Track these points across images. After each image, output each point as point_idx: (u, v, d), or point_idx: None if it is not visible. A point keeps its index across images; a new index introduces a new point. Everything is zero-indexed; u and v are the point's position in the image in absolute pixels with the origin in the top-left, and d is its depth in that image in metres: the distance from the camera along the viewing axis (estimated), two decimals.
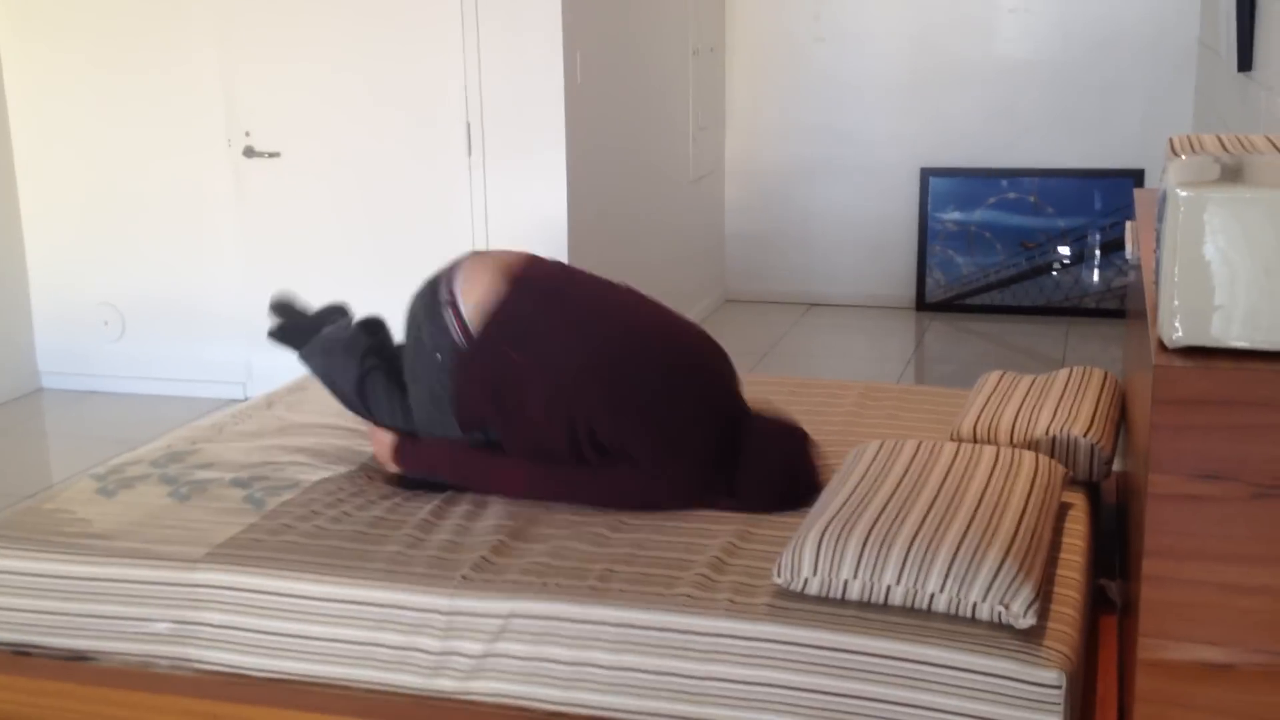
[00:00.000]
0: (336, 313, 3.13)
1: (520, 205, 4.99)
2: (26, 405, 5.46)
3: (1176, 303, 1.81)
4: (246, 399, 5.36)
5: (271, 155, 5.15)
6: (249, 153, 5.16)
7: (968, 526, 2.18)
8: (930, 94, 6.70)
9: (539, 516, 2.57)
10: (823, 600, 2.17)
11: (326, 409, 3.45)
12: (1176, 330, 1.82)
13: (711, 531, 2.47)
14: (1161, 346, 1.85)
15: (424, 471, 2.74)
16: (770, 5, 6.84)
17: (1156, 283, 1.87)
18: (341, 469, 2.88)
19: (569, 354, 2.61)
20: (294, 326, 3.10)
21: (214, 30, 5.13)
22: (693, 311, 6.66)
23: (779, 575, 2.20)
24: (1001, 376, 3.17)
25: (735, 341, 6.52)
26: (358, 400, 2.90)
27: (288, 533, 2.52)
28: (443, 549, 2.42)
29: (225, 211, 5.29)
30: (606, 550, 2.40)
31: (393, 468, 2.78)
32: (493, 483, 2.67)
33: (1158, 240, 1.91)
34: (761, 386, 3.51)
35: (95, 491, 2.82)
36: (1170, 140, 2.44)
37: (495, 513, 2.59)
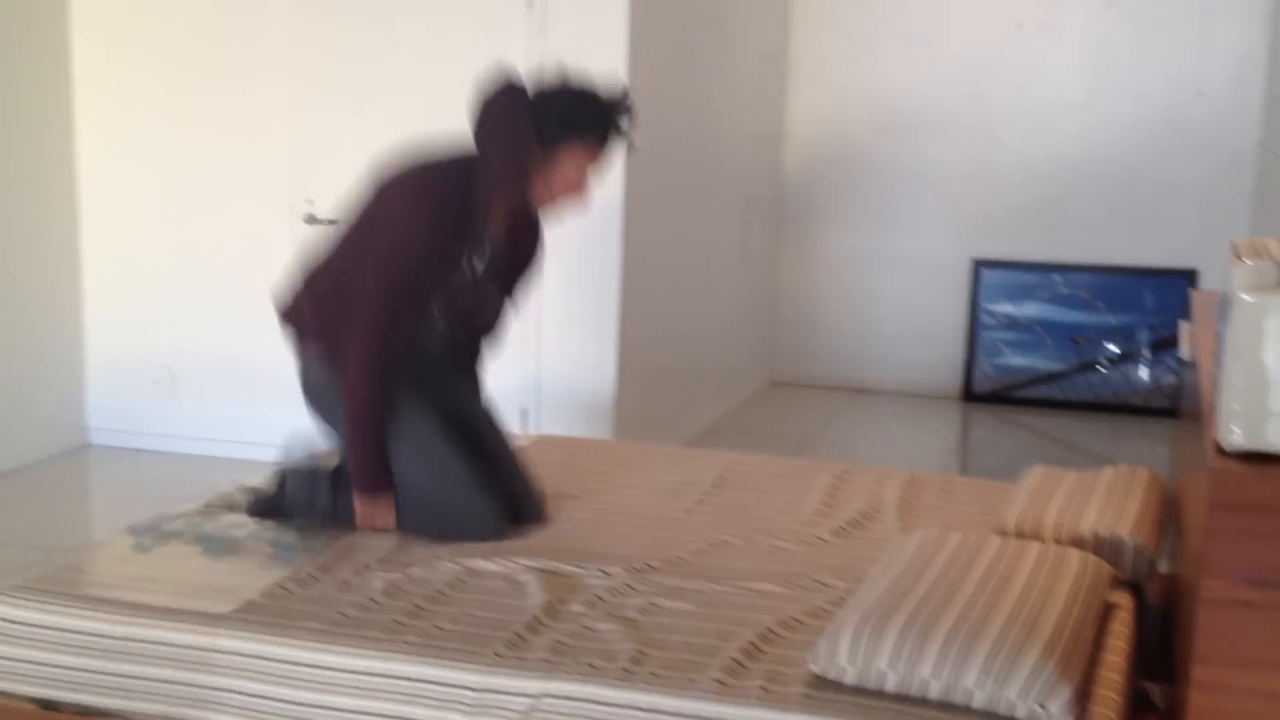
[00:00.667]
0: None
1: (574, 278, 5.00)
2: (73, 461, 5.50)
3: (1236, 407, 1.78)
4: None
5: (331, 223, 5.20)
6: (310, 220, 5.22)
7: (1008, 622, 2.13)
8: (986, 185, 6.69)
9: (573, 590, 2.55)
10: (859, 691, 2.13)
11: None
12: (1234, 434, 1.79)
13: (745, 619, 2.43)
14: (1219, 450, 1.82)
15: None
16: (831, 95, 6.89)
17: (1216, 386, 1.85)
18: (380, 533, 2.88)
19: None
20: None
21: (284, 97, 5.22)
22: (739, 392, 6.64)
23: (815, 663, 2.16)
24: (1047, 471, 3.13)
25: (780, 424, 6.51)
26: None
27: (319, 597, 2.51)
28: (475, 623, 2.40)
29: (282, 277, 5.34)
30: (638, 632, 2.37)
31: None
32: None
33: (1219, 343, 1.88)
34: (803, 471, 3.49)
35: (131, 548, 2.83)
36: (1233, 244, 2.42)
37: (529, 586, 2.57)
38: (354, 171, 5.13)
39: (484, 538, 2.85)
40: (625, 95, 2.93)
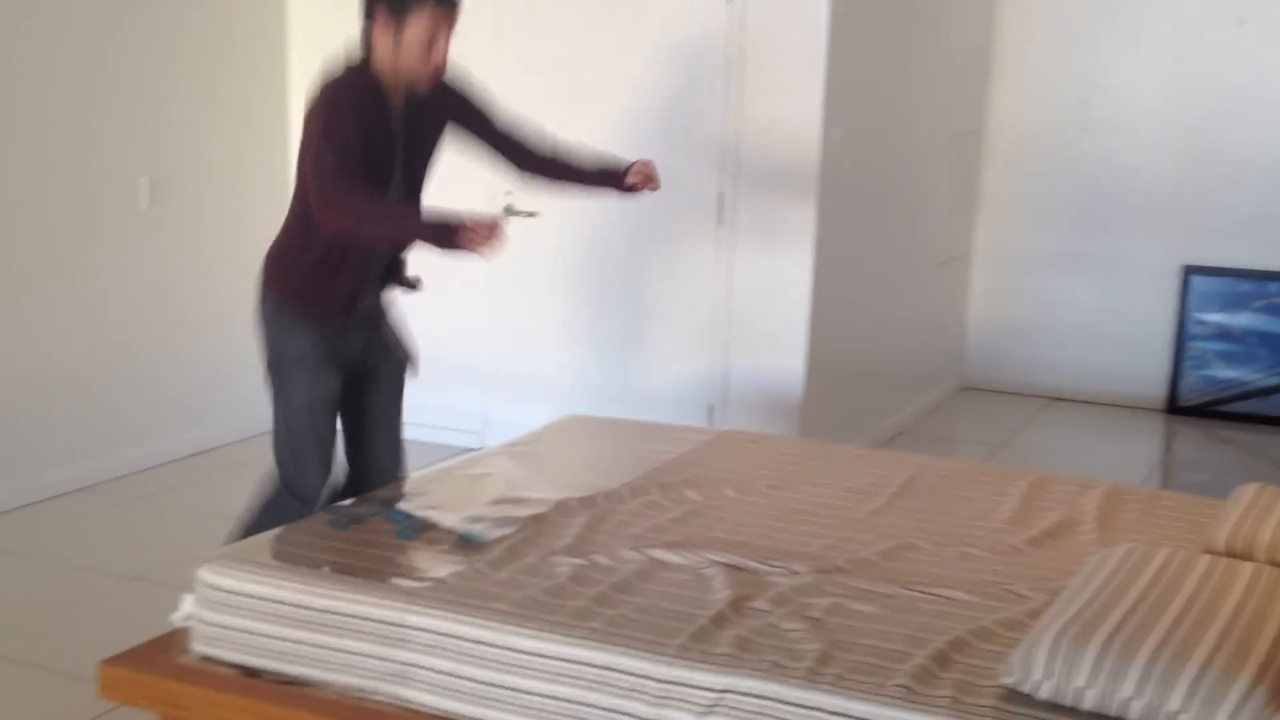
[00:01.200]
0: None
1: (764, 276, 4.98)
2: (262, 444, 5.71)
3: None
4: (482, 449, 5.49)
5: (530, 215, 5.29)
6: (509, 211, 5.31)
7: (1219, 645, 2.02)
8: (1198, 189, 6.41)
9: (759, 586, 2.53)
10: (1054, 707, 2.05)
11: (559, 463, 3.50)
12: None
13: (935, 626, 2.37)
14: None
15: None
16: (1035, 92, 6.70)
17: None
18: (568, 520, 2.90)
19: None
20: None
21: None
22: (928, 395, 6.50)
23: (1009, 675, 2.08)
24: (1260, 490, 2.97)
25: (971, 429, 6.35)
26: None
27: (508, 580, 2.54)
28: (661, 614, 2.40)
29: (477, 266, 5.44)
30: (825, 633, 2.33)
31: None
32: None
33: None
34: (996, 477, 3.39)
35: (327, 524, 2.92)
36: None
37: (714, 581, 2.56)
38: None
39: (303, 496, 3.33)
40: None
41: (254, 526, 3.32)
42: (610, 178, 3.52)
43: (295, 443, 3.35)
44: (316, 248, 3.21)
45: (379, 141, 3.17)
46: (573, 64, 5.19)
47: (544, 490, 3.12)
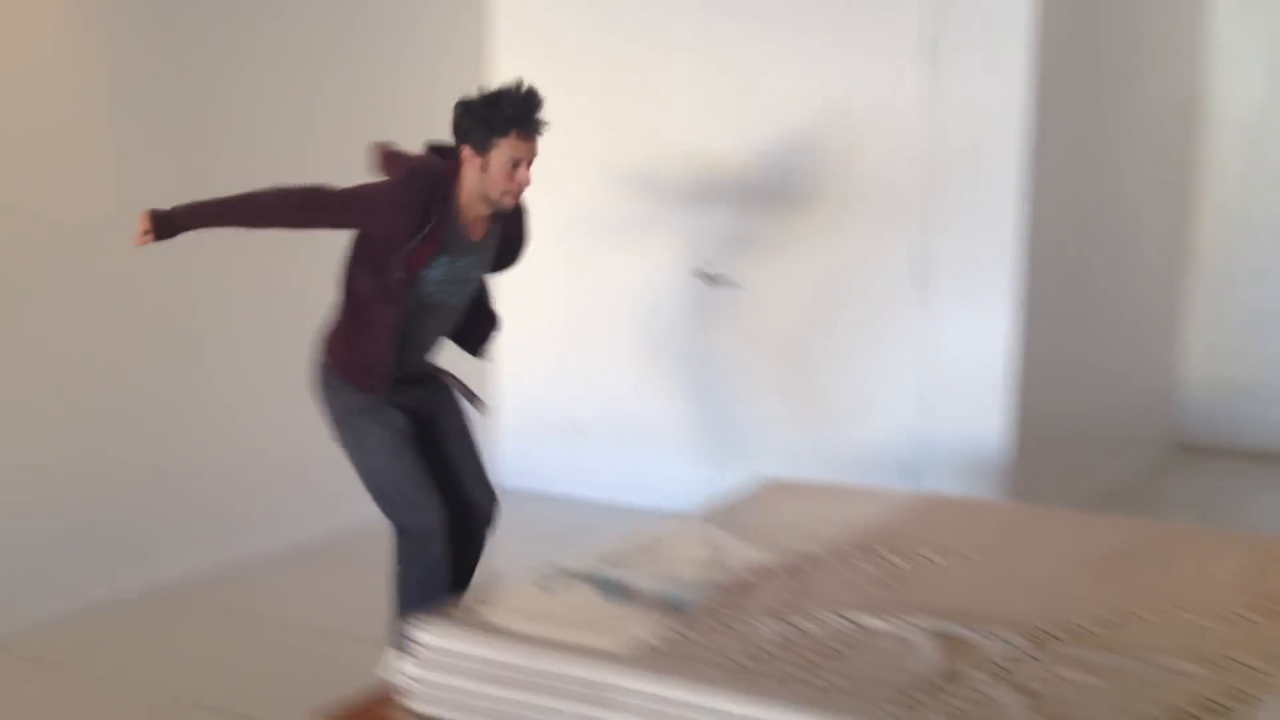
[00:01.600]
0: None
1: (964, 337, 4.89)
2: None
3: None
4: (679, 511, 5.51)
5: (730, 283, 5.34)
6: (711, 280, 5.37)
7: None
8: None
9: (969, 654, 2.46)
10: None
11: (761, 527, 3.49)
12: None
13: (1158, 699, 2.26)
14: None
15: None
16: (1252, 143, 6.44)
17: None
18: (758, 584, 2.89)
19: None
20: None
21: (683, 157, 5.41)
22: (1141, 455, 6.26)
23: None
24: None
25: (1189, 491, 6.08)
26: None
27: (713, 643, 2.54)
28: (867, 682, 2.36)
29: (681, 333, 5.52)
30: (1041, 704, 2.26)
31: None
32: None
33: None
34: (1220, 542, 3.24)
35: (536, 586, 2.97)
36: None
37: (922, 648, 2.50)
38: (751, 231, 5.30)
39: (426, 528, 3.39)
40: (523, 90, 3.26)
41: (404, 590, 3.47)
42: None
43: (391, 487, 3.44)
44: (352, 322, 3.40)
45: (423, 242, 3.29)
46: (771, 123, 5.22)
47: (746, 554, 3.12)
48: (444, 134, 3.36)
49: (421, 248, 3.27)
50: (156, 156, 4.49)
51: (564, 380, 5.87)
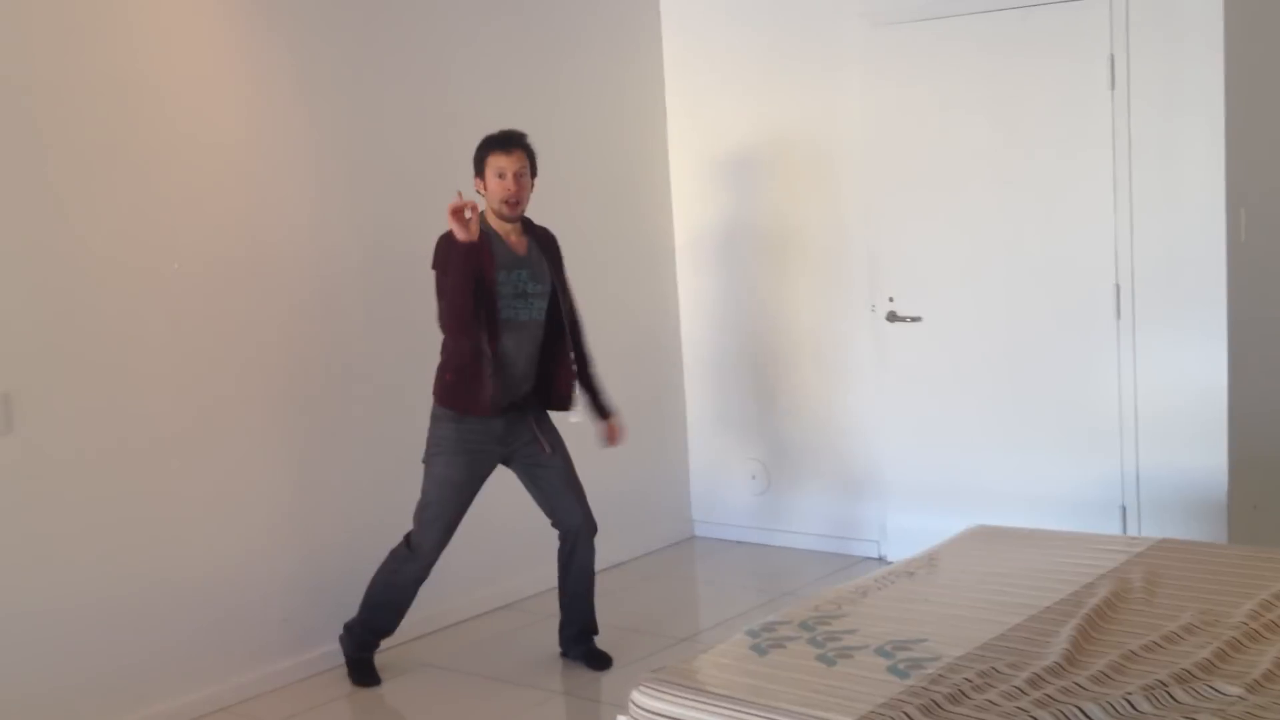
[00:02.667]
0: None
1: (1173, 372, 4.71)
2: (680, 551, 5.89)
3: None
4: (880, 558, 5.45)
5: (914, 320, 5.27)
6: (891, 317, 5.31)
7: None
8: None
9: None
10: None
11: (963, 580, 3.42)
12: None
13: None
14: None
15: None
16: None
17: None
18: (982, 647, 2.81)
19: None
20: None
21: (859, 200, 5.38)
22: None
23: None
24: None
25: None
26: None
27: (934, 712, 2.49)
28: None
29: (865, 373, 5.46)
30: None
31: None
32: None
33: None
34: None
35: (749, 648, 2.96)
36: None
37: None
38: (932, 266, 5.23)
39: (422, 551, 4.23)
40: (505, 130, 4.23)
41: (379, 573, 4.32)
42: (595, 411, 4.48)
43: (428, 508, 4.24)
44: (454, 359, 4.15)
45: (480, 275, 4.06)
46: (957, 160, 5.15)
47: (967, 611, 3.05)
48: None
49: (487, 262, 4.05)
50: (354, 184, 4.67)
51: (751, 423, 5.86)
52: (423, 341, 4.35)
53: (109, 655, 3.90)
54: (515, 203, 4.16)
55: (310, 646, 4.47)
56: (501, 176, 4.13)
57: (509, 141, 4.17)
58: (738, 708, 2.61)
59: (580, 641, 4.46)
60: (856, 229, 5.43)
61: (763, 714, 2.56)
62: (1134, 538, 3.85)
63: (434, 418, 4.24)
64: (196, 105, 4.17)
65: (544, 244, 4.32)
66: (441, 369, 4.20)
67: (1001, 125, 5.02)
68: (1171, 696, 2.47)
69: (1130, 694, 2.49)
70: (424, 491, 4.25)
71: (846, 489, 5.60)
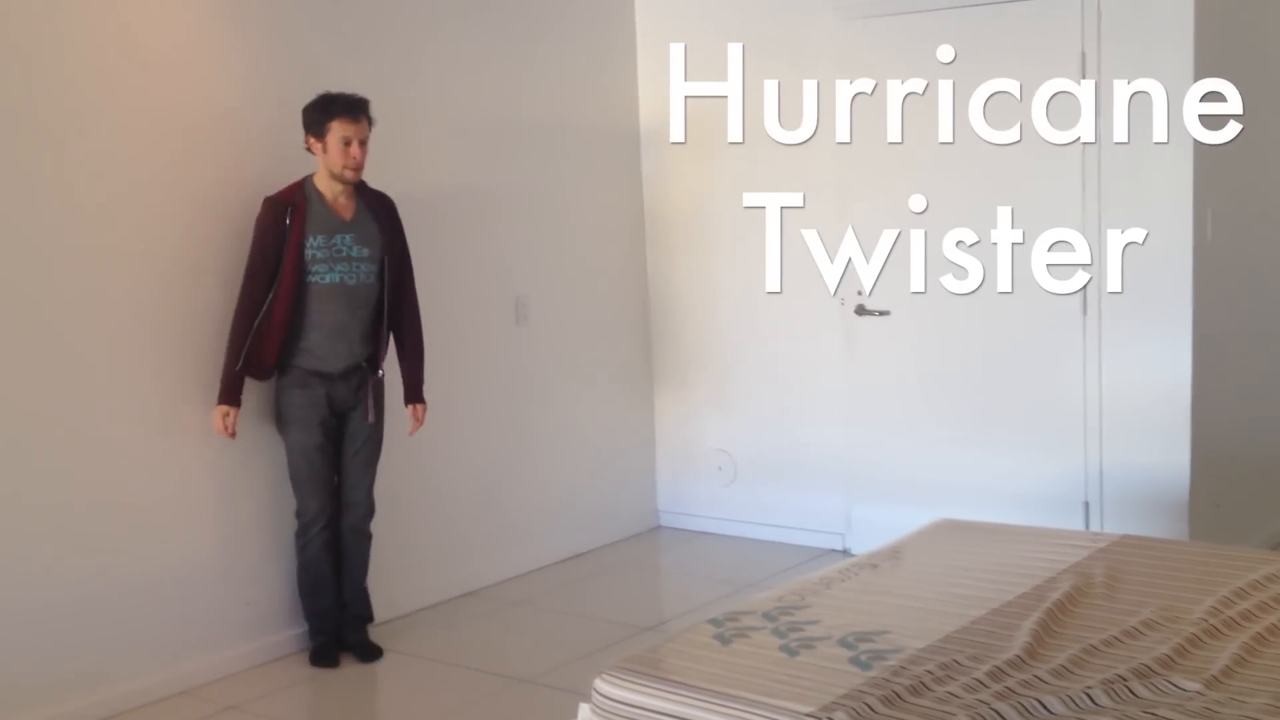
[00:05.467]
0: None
1: (1138, 370, 4.74)
2: (646, 541, 5.89)
3: None
4: (844, 550, 5.46)
5: (881, 314, 5.28)
6: (860, 311, 5.32)
7: None
8: None
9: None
10: None
11: (926, 573, 3.43)
12: None
13: None
14: None
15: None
16: None
17: None
18: (944, 639, 2.83)
19: None
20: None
21: (830, 191, 5.38)
22: None
23: None
24: None
25: None
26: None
27: (896, 704, 2.50)
28: None
29: (834, 367, 5.47)
30: None
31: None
32: None
33: None
34: None
35: (712, 637, 2.96)
36: None
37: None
38: (903, 262, 5.22)
39: (307, 515, 4.30)
40: (350, 94, 4.19)
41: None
42: (407, 390, 4.52)
43: (296, 476, 4.33)
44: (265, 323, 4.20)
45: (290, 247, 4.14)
46: (926, 155, 5.15)
47: (930, 603, 3.06)
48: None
49: (294, 227, 4.11)
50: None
51: (717, 415, 5.86)
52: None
53: (71, 637, 3.87)
54: (358, 169, 4.19)
55: (274, 630, 4.45)
56: (347, 144, 4.13)
57: (357, 108, 4.17)
58: (700, 697, 2.61)
59: (356, 629, 4.45)
60: (829, 221, 5.42)
61: (725, 703, 2.57)
62: (1097, 533, 3.88)
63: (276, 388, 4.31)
64: (171, 84, 4.13)
65: (378, 209, 4.32)
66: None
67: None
68: (1131, 691, 2.49)
69: (1090, 688, 2.50)
70: (289, 464, 4.32)
71: (812, 481, 5.61)
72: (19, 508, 3.78)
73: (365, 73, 4.57)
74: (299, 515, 4.34)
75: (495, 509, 5.26)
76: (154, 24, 4.11)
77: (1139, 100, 4.63)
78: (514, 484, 5.35)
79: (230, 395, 4.14)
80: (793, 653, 2.82)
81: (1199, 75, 4.56)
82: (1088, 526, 4.89)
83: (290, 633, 4.47)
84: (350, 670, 4.34)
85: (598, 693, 2.73)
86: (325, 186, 4.22)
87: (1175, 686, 2.51)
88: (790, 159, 5.50)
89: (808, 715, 2.46)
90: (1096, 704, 2.44)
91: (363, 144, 4.17)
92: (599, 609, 4.92)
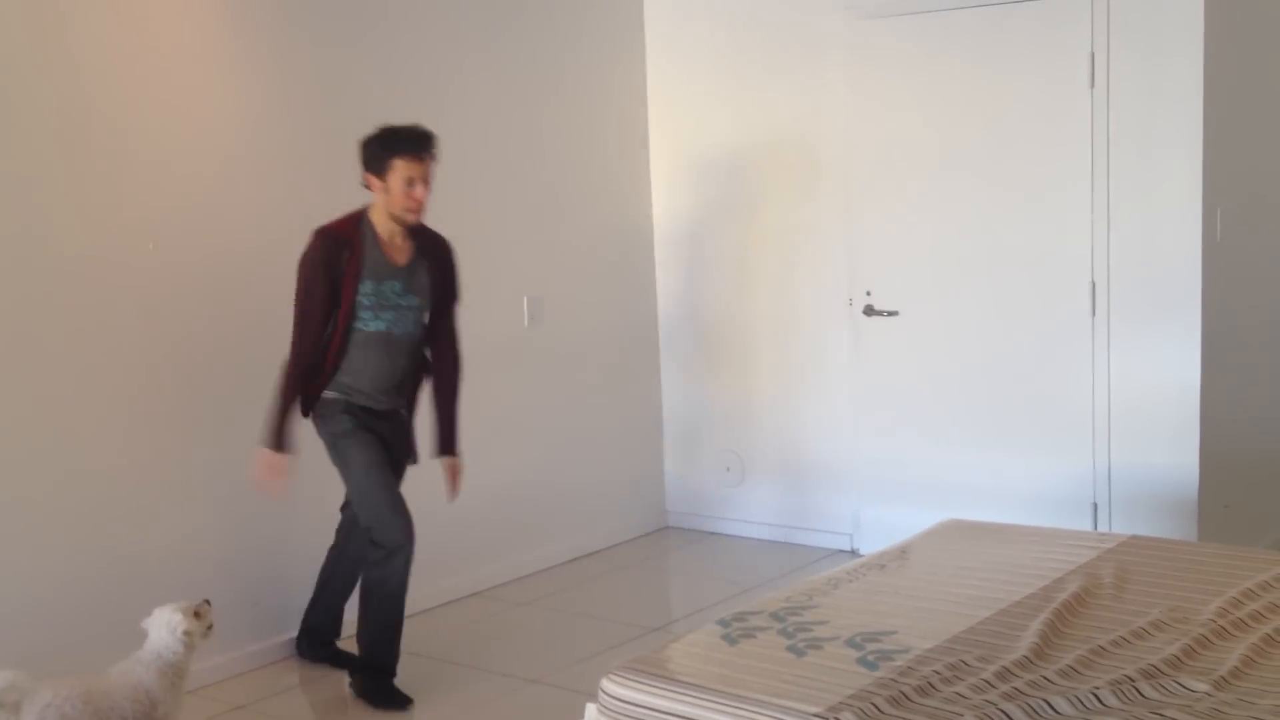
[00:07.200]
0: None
1: (1147, 370, 4.73)
2: (654, 542, 5.89)
3: None
4: (852, 550, 5.46)
5: (890, 314, 5.28)
6: (869, 311, 5.32)
7: None
8: None
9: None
10: None
11: (936, 572, 3.43)
12: None
13: None
14: None
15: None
16: None
17: None
18: (951, 640, 2.82)
19: None
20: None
21: (839, 193, 5.38)
22: None
23: None
24: None
25: None
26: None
27: (903, 704, 2.50)
28: None
29: (842, 367, 5.47)
30: None
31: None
32: None
33: None
34: None
35: (720, 637, 2.97)
36: None
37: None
38: (910, 261, 5.23)
39: (395, 541, 3.93)
40: (415, 127, 3.86)
41: (371, 595, 4.07)
42: (440, 440, 4.17)
43: (367, 495, 4.04)
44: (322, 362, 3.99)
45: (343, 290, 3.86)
46: (936, 157, 5.15)
47: (938, 604, 3.06)
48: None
49: (349, 272, 3.81)
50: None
51: (727, 414, 5.86)
52: None
53: (73, 634, 3.87)
54: (421, 211, 3.88)
55: (278, 632, 4.45)
56: (411, 185, 3.81)
57: (423, 145, 3.83)
58: (708, 697, 2.61)
59: (326, 644, 4.39)
60: (835, 222, 5.42)
61: (732, 703, 2.57)
62: (1104, 534, 3.87)
63: (317, 415, 3.99)
64: (164, 93, 4.13)
65: (433, 255, 4.02)
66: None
67: (981, 121, 5.03)
68: (1139, 692, 2.49)
69: (1098, 689, 2.50)
70: (357, 490, 4.01)
71: (820, 482, 5.61)
72: (30, 507, 3.80)
73: (388, 86, 4.56)
74: (380, 542, 3.96)
75: (503, 509, 5.26)
76: (160, 29, 4.12)
77: (1148, 100, 4.65)
78: (522, 484, 5.35)
79: (280, 440, 3.87)
80: (800, 653, 2.82)
81: (1209, 75, 4.55)
82: (1096, 527, 4.88)
83: (292, 634, 4.47)
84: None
85: (605, 693, 2.74)
86: (382, 226, 3.88)
87: (1183, 687, 2.50)
88: (799, 158, 5.52)
89: (815, 715, 2.46)
90: (1104, 704, 2.44)
91: (426, 183, 3.83)
92: (607, 609, 4.92)
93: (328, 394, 3.94)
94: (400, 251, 3.92)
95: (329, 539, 4.38)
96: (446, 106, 4.94)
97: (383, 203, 3.86)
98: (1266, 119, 5.17)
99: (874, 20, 5.19)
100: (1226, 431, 4.84)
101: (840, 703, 2.50)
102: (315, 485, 4.56)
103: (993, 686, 2.56)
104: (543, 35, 5.40)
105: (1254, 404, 5.16)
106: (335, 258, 3.82)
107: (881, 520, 5.33)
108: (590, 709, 2.79)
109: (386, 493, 3.97)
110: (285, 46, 4.44)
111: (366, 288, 3.84)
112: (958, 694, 2.53)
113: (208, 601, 3.38)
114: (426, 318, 4.04)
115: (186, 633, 3.22)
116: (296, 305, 3.88)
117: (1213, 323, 4.69)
